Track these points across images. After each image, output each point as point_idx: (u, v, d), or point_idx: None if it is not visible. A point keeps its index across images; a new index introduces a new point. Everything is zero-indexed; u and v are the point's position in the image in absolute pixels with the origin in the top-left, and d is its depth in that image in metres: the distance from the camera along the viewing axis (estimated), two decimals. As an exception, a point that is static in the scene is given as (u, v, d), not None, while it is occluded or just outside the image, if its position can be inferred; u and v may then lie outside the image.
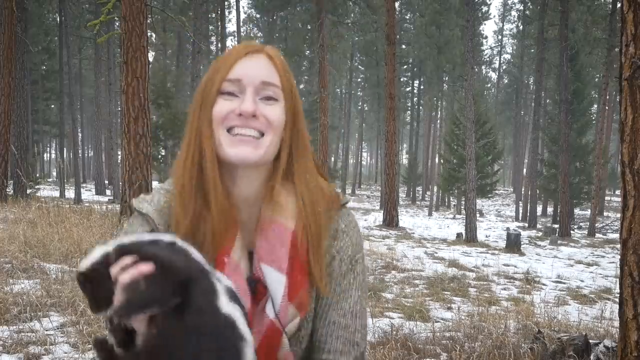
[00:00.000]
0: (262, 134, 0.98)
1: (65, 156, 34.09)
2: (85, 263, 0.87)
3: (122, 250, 0.85)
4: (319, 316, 1.05)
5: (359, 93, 54.89)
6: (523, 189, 34.65)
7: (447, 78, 41.12)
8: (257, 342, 0.97)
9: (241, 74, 0.98)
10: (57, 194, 21.07)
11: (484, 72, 57.06)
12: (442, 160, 33.48)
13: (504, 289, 8.17)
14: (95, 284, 0.86)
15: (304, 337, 1.05)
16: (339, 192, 1.12)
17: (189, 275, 0.84)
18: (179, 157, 1.03)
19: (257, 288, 1.00)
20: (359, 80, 52.43)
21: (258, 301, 0.99)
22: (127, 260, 0.83)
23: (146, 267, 0.82)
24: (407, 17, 46.67)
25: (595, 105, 33.10)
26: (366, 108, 53.16)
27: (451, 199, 42.21)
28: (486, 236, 19.58)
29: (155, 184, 9.92)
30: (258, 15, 43.91)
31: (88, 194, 28.41)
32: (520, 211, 33.36)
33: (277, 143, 1.01)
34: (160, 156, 22.82)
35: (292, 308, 0.99)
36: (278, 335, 0.99)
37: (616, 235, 19.41)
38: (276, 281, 0.99)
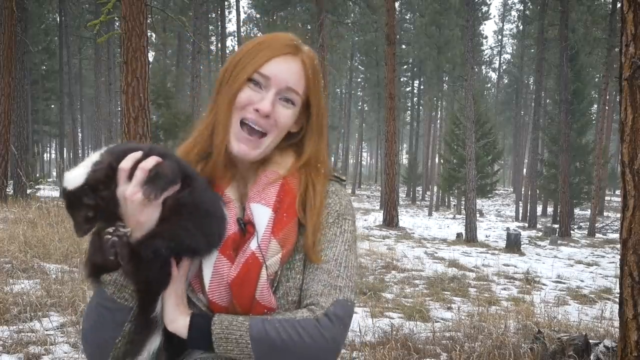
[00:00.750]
0: (266, 134, 1.06)
1: (65, 156, 34.09)
2: (76, 178, 0.94)
3: (126, 152, 0.96)
4: (305, 267, 1.07)
5: (359, 93, 54.89)
6: (523, 189, 34.65)
7: (447, 78, 41.12)
8: (236, 272, 1.01)
9: (273, 72, 1.05)
10: (57, 194, 21.04)
11: (484, 72, 57.08)
12: (442, 160, 33.48)
13: (504, 289, 8.17)
14: (89, 197, 0.94)
15: (292, 290, 1.05)
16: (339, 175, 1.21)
17: (189, 171, 1.02)
18: (197, 125, 1.15)
19: (247, 229, 1.06)
20: (359, 80, 52.43)
21: (246, 241, 1.05)
22: (136, 154, 0.95)
23: (157, 158, 0.95)
24: (407, 17, 46.68)
25: (595, 105, 33.10)
26: (366, 108, 53.15)
27: (451, 199, 42.22)
28: (486, 236, 19.58)
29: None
30: (258, 15, 43.87)
31: (88, 194, 28.34)
32: (520, 211, 33.36)
33: (277, 142, 1.10)
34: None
35: (275, 243, 1.03)
36: (257, 266, 1.02)
37: (616, 235, 19.41)
38: (262, 214, 1.05)
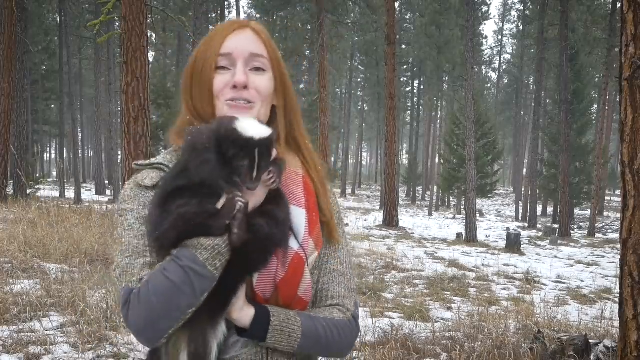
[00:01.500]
0: (253, 103, 1.08)
1: (65, 156, 34.09)
2: (261, 130, 0.96)
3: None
4: (319, 267, 1.14)
5: (359, 93, 54.86)
6: (523, 189, 34.64)
7: (447, 78, 41.09)
8: (284, 273, 1.05)
9: (231, 47, 1.07)
10: (57, 194, 21.06)
11: (484, 72, 57.03)
12: (442, 160, 33.46)
13: (504, 289, 8.16)
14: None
15: (311, 286, 1.12)
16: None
17: None
18: (174, 126, 1.16)
19: None
20: (359, 80, 52.40)
21: None
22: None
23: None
24: (407, 17, 46.65)
25: (595, 105, 33.09)
26: (366, 108, 53.12)
27: (451, 199, 42.20)
28: (486, 236, 19.58)
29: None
30: (258, 15, 43.85)
31: (88, 194, 28.43)
32: (520, 211, 33.35)
33: (267, 109, 1.11)
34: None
35: (312, 242, 1.10)
36: (302, 265, 1.07)
37: (616, 235, 19.41)
38: (298, 215, 1.09)
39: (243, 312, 1.01)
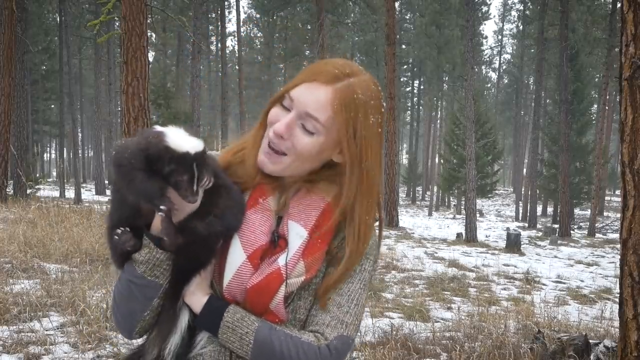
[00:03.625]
0: (284, 155, 1.07)
1: (65, 156, 34.10)
2: (196, 144, 0.97)
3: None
4: (318, 295, 1.09)
5: (359, 93, 54.79)
6: (523, 189, 34.65)
7: (447, 78, 41.12)
8: (257, 280, 1.04)
9: (297, 95, 1.05)
10: (57, 194, 21.07)
11: (484, 72, 57.04)
12: (442, 160, 33.48)
13: (504, 289, 8.16)
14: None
15: (301, 309, 1.09)
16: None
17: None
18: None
19: (279, 243, 1.08)
20: (359, 80, 52.33)
21: (275, 254, 1.07)
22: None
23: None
24: (407, 17, 46.64)
25: (595, 105, 33.10)
26: (366, 108, 53.03)
27: (451, 199, 42.21)
28: (486, 236, 19.58)
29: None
30: (258, 15, 43.85)
31: (88, 194, 28.42)
32: (520, 211, 33.36)
33: (304, 167, 1.09)
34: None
35: (302, 265, 1.05)
36: (278, 282, 1.04)
37: (616, 235, 19.41)
38: (297, 234, 1.07)
39: (195, 297, 1.05)
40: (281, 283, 1.04)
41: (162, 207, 0.96)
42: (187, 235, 1.00)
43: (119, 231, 1.01)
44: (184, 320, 1.06)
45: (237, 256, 1.05)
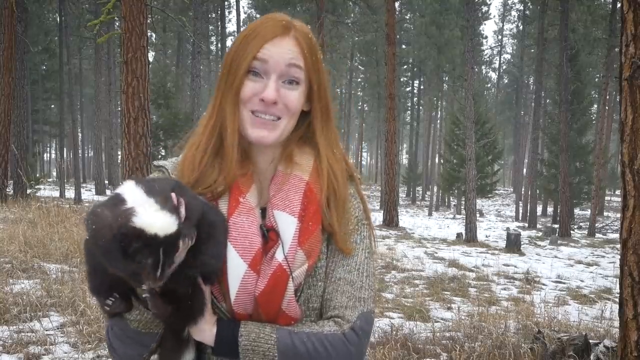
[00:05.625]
0: (279, 118, 1.05)
1: (65, 156, 34.09)
2: (167, 224, 0.86)
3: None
4: (327, 276, 1.07)
5: (359, 93, 54.83)
6: (523, 189, 34.65)
7: (447, 78, 41.07)
8: (263, 285, 1.00)
9: (269, 55, 1.03)
10: (57, 194, 21.09)
11: (484, 72, 56.99)
12: (442, 160, 33.49)
13: (504, 289, 8.16)
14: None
15: (313, 297, 1.06)
16: (352, 164, 1.18)
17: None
18: (199, 124, 1.12)
19: (270, 235, 1.04)
20: (359, 80, 52.39)
21: (269, 249, 1.03)
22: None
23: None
24: (407, 17, 46.60)
25: (595, 105, 33.09)
26: (366, 108, 53.11)
27: (451, 199, 42.20)
28: (486, 236, 19.57)
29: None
30: (258, 15, 43.86)
31: (88, 194, 28.40)
32: (520, 211, 33.35)
33: (293, 124, 1.08)
34: (160, 156, 22.78)
35: (301, 253, 1.02)
36: (284, 279, 1.00)
37: (616, 235, 19.41)
38: (287, 223, 1.03)
39: (204, 334, 1.01)
40: (287, 279, 1.00)
41: (144, 295, 0.93)
42: (176, 301, 0.95)
43: (109, 302, 0.96)
44: (190, 351, 1.03)
45: (237, 267, 1.00)
